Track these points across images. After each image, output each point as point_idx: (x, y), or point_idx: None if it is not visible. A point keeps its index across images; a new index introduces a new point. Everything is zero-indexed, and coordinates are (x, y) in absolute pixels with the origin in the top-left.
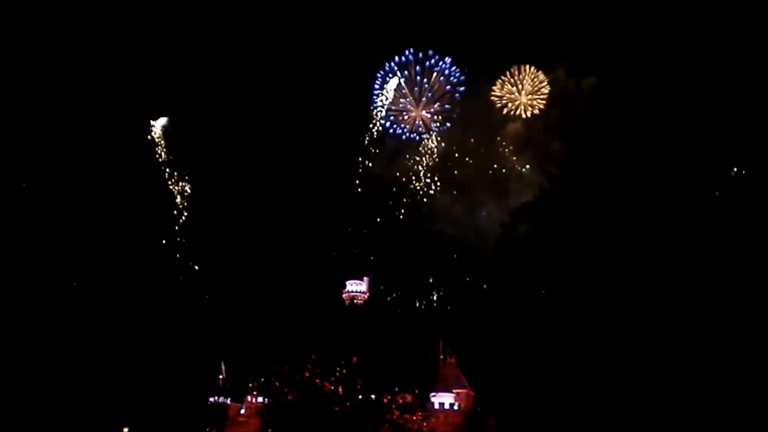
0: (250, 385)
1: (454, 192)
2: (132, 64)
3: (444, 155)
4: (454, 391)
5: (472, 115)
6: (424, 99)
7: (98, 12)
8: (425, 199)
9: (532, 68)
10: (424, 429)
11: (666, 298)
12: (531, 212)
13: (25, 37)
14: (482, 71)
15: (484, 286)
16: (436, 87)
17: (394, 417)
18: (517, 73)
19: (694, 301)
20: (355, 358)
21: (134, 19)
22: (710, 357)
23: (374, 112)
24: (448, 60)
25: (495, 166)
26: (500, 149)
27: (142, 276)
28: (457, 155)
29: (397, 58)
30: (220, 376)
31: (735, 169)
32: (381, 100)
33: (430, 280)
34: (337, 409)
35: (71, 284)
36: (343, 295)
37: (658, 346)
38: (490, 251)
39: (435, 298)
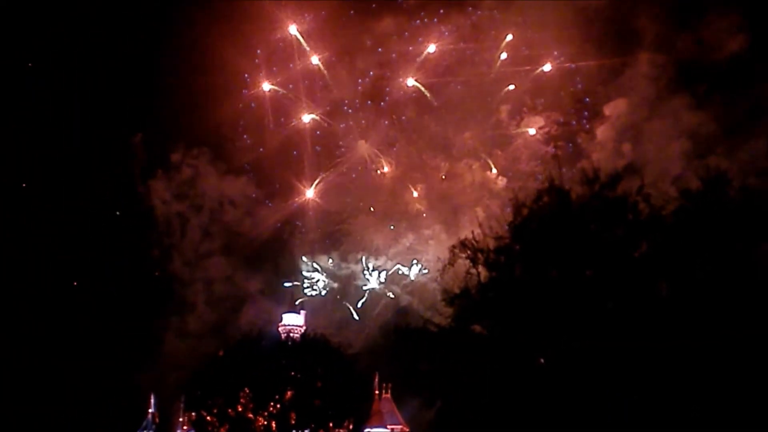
0: (181, 419)
1: (390, 225)
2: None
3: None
4: (388, 426)
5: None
6: None
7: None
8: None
9: None
10: None
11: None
12: (468, 247)
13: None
14: None
15: (423, 320)
16: None
17: None
18: None
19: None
20: (289, 393)
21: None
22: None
23: None
24: None
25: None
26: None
27: None
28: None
29: None
30: (150, 410)
31: None
32: None
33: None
34: None
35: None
36: (279, 329)
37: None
38: (430, 286)
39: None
